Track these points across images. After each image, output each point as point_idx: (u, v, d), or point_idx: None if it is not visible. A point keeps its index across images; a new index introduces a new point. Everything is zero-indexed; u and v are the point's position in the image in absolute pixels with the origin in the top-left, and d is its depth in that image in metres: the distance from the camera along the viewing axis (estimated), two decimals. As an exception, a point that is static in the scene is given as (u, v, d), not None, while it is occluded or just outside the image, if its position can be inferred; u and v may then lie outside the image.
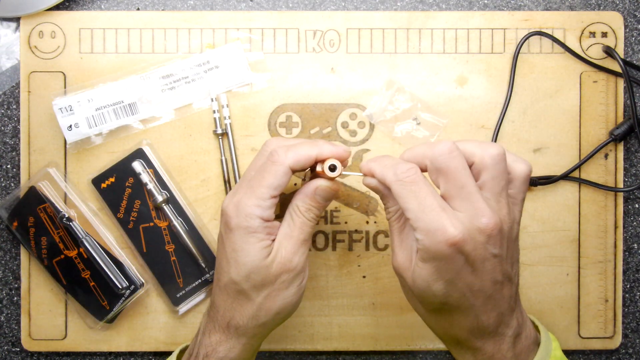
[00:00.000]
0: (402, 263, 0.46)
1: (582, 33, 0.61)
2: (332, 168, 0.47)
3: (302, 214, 0.48)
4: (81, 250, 0.59)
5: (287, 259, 0.47)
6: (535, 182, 0.60)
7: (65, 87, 0.60)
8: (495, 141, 0.60)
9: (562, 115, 0.61)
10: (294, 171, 0.48)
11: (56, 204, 0.59)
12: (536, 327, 0.50)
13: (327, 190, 0.49)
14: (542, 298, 0.61)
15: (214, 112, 0.60)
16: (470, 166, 0.44)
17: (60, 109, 0.58)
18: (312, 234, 0.49)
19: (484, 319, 0.45)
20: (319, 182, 0.49)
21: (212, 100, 0.60)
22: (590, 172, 0.61)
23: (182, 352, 0.54)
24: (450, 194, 0.43)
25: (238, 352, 0.49)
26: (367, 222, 0.61)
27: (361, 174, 0.48)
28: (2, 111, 0.61)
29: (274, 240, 0.48)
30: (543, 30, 0.60)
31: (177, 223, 0.59)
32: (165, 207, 0.59)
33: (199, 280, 0.60)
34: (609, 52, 0.60)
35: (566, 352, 0.62)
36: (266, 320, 0.48)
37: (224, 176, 0.60)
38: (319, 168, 0.48)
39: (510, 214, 0.44)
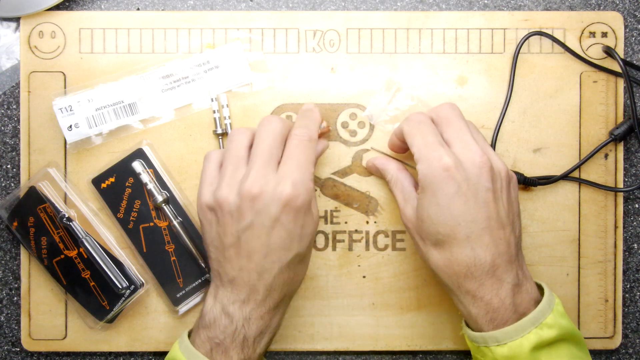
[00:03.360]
0: (408, 213, 0.53)
1: (582, 33, 0.61)
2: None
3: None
4: (81, 250, 0.59)
5: (316, 216, 0.53)
6: (535, 182, 0.60)
7: (65, 87, 0.60)
8: (496, 141, 0.60)
9: (562, 115, 0.61)
10: None
11: (56, 204, 0.59)
12: (540, 289, 0.52)
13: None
14: (542, 298, 0.61)
15: (214, 112, 0.60)
16: None
17: (60, 109, 0.58)
18: None
19: (480, 252, 0.49)
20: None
21: (212, 100, 0.60)
22: (590, 172, 0.61)
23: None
24: (450, 139, 0.51)
25: (284, 314, 0.54)
26: (367, 222, 0.61)
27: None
28: (2, 111, 0.61)
29: None
30: (543, 30, 0.60)
31: (177, 223, 0.59)
32: (165, 207, 0.59)
33: (199, 280, 0.60)
34: (609, 52, 0.60)
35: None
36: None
37: (224, 176, 0.60)
38: None
39: (499, 162, 0.51)
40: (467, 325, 0.53)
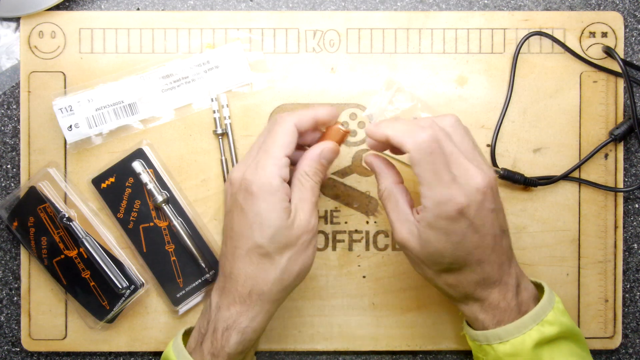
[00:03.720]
0: (405, 235, 0.49)
1: (582, 33, 0.61)
2: (344, 124, 0.53)
3: (310, 177, 0.51)
4: (81, 250, 0.59)
5: (306, 221, 0.50)
6: (535, 182, 0.60)
7: (65, 87, 0.60)
8: (496, 141, 0.60)
9: (562, 115, 0.61)
10: (299, 132, 0.51)
11: (56, 204, 0.59)
12: (538, 286, 0.53)
13: (332, 151, 0.52)
14: (542, 298, 0.61)
15: (214, 112, 0.60)
16: None
17: (60, 109, 0.58)
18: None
19: (488, 270, 0.49)
20: (324, 145, 0.52)
21: (212, 100, 0.60)
22: (590, 172, 0.61)
23: (186, 334, 0.54)
24: (447, 161, 0.47)
25: (260, 320, 0.50)
26: (367, 222, 0.61)
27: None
28: (2, 111, 0.61)
29: (289, 202, 0.50)
30: (543, 30, 0.60)
31: (177, 223, 0.59)
32: (165, 207, 0.59)
33: (199, 280, 0.60)
34: (609, 52, 0.60)
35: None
36: (288, 284, 0.50)
37: (224, 176, 0.60)
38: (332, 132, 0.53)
39: (490, 171, 0.49)
40: (470, 325, 0.53)
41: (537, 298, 0.51)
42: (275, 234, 0.49)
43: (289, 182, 0.51)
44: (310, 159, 0.51)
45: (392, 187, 0.51)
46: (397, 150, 0.51)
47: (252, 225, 0.49)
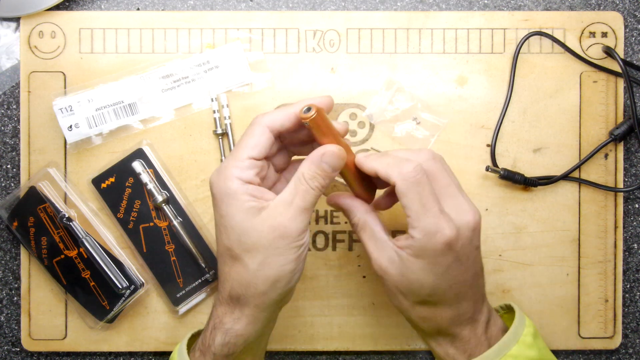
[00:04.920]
0: (384, 263, 0.48)
1: (582, 33, 0.61)
2: (307, 110, 0.47)
3: (306, 181, 0.47)
4: (81, 250, 0.59)
5: (282, 225, 0.46)
6: (535, 182, 0.60)
7: (65, 87, 0.60)
8: (496, 141, 0.60)
9: (562, 115, 0.61)
10: (276, 132, 0.48)
11: (56, 204, 0.59)
12: (510, 314, 0.53)
13: (334, 155, 0.47)
14: (542, 298, 0.61)
15: (214, 112, 0.60)
16: None
17: (61, 109, 0.58)
18: (315, 204, 0.48)
19: (465, 307, 0.49)
20: (327, 148, 0.47)
21: (212, 100, 0.60)
22: (590, 172, 0.61)
23: (193, 337, 0.54)
24: (439, 195, 0.47)
25: (244, 324, 0.48)
26: (367, 222, 0.61)
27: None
28: (2, 111, 0.61)
29: (264, 202, 0.47)
30: (543, 30, 0.60)
31: (177, 223, 0.59)
32: (165, 207, 0.59)
33: (199, 280, 0.60)
34: (609, 52, 0.60)
35: (566, 352, 0.62)
36: (265, 289, 0.47)
37: (224, 176, 0.60)
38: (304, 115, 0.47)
39: (477, 208, 0.48)
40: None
41: (506, 330, 0.50)
42: (241, 236, 0.46)
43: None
44: (311, 161, 0.47)
45: (365, 216, 0.50)
46: (384, 184, 0.50)
47: (220, 227, 0.47)
